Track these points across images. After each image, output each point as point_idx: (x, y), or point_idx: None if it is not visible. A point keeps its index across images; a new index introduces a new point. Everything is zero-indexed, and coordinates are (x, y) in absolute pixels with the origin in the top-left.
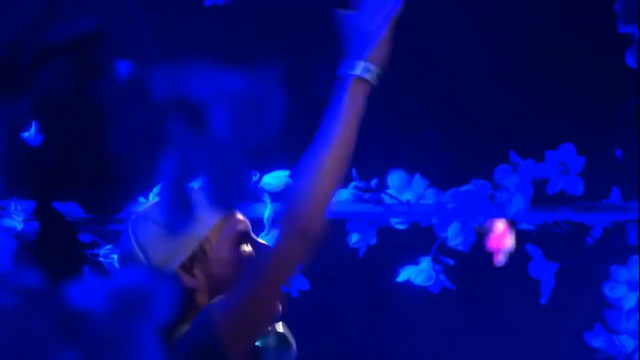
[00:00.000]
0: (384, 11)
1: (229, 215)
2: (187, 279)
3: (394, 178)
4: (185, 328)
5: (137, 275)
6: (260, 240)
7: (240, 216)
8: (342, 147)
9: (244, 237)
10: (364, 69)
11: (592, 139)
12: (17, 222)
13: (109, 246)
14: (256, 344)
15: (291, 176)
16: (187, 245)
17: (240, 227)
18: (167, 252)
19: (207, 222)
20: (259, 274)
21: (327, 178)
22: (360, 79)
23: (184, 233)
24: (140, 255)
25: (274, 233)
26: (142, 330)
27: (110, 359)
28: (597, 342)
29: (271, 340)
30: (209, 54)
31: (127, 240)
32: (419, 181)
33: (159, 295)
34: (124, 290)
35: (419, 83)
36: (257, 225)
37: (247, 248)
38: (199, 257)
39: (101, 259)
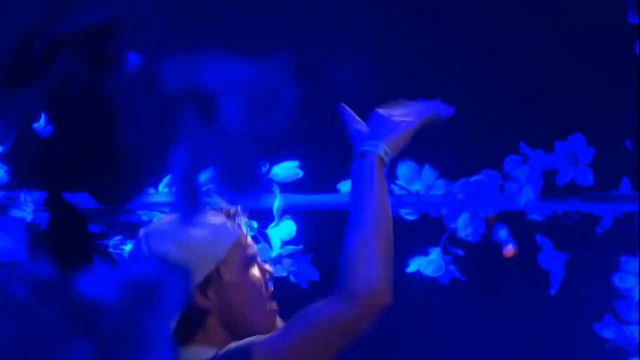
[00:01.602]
0: (425, 113)
1: (241, 237)
2: (201, 300)
3: (404, 169)
4: (192, 349)
5: (148, 266)
6: (265, 265)
7: (249, 240)
8: (383, 216)
9: (254, 261)
10: (384, 150)
11: (602, 129)
12: (26, 213)
13: (118, 237)
14: None
15: (344, 254)
16: (203, 266)
17: (251, 250)
18: None
19: (224, 244)
20: (311, 328)
21: (383, 250)
22: (380, 158)
23: (201, 253)
24: None
25: (284, 224)
26: (152, 322)
27: (121, 350)
28: (607, 333)
29: None
30: (221, 45)
31: (140, 256)
32: (428, 172)
33: (170, 287)
34: (134, 281)
35: (428, 74)
36: (267, 216)
37: (256, 272)
38: (214, 278)
39: (110, 249)
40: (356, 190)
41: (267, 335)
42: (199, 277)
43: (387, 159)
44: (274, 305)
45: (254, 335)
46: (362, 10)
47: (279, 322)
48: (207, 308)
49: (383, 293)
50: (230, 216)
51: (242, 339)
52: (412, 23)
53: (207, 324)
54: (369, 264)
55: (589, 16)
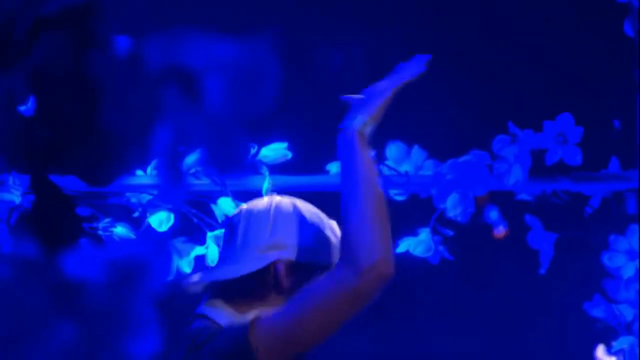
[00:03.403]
0: (399, 77)
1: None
2: (283, 274)
3: (393, 149)
4: (240, 313)
5: (133, 246)
6: None
7: None
8: (372, 188)
9: None
10: (363, 122)
11: (591, 108)
12: (15, 196)
13: (107, 219)
14: None
15: (345, 226)
16: (317, 252)
17: None
18: (307, 244)
19: (333, 252)
20: (317, 300)
21: (380, 219)
22: (359, 131)
23: (326, 242)
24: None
25: None
26: (138, 301)
27: (107, 331)
28: (597, 312)
29: None
30: (205, 24)
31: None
32: (417, 152)
33: (155, 266)
34: (120, 261)
35: (414, 54)
36: (256, 198)
37: None
38: (308, 270)
39: (99, 232)
40: (343, 166)
41: (272, 311)
42: (298, 255)
43: (366, 129)
44: None
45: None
46: None
47: None
48: (279, 285)
49: (385, 261)
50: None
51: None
52: (402, 2)
53: (269, 300)
54: (368, 234)
55: None
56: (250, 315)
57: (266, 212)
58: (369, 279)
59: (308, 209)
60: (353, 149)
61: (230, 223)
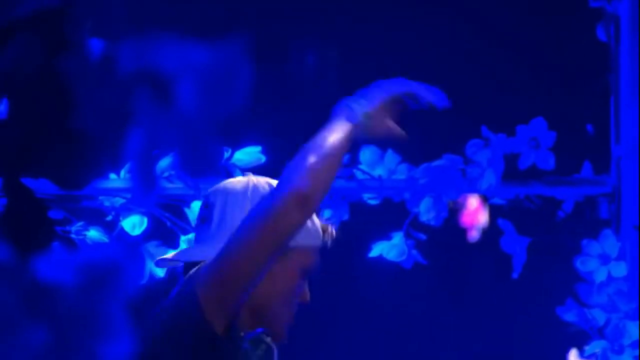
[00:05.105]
0: (408, 86)
1: (318, 251)
2: None
3: (366, 153)
4: None
5: (106, 249)
6: (307, 293)
7: (318, 260)
8: (332, 150)
9: (307, 277)
10: (356, 109)
11: (563, 113)
12: None
13: (80, 223)
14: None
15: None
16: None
17: (314, 268)
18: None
19: (310, 239)
20: (249, 230)
21: (323, 166)
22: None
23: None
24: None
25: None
26: (111, 305)
27: (79, 334)
28: (569, 316)
29: (256, 347)
30: (177, 27)
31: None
32: (391, 156)
33: (128, 270)
34: (92, 265)
35: (389, 59)
36: None
37: (304, 286)
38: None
39: (72, 235)
40: (324, 127)
41: (207, 265)
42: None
43: (361, 119)
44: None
45: (269, 323)
46: None
47: None
48: None
49: (305, 192)
50: (326, 229)
51: (258, 319)
52: (375, 7)
53: None
54: (301, 167)
55: (550, 0)
56: None
57: (243, 192)
58: (287, 202)
59: None
60: (335, 118)
61: (206, 202)
